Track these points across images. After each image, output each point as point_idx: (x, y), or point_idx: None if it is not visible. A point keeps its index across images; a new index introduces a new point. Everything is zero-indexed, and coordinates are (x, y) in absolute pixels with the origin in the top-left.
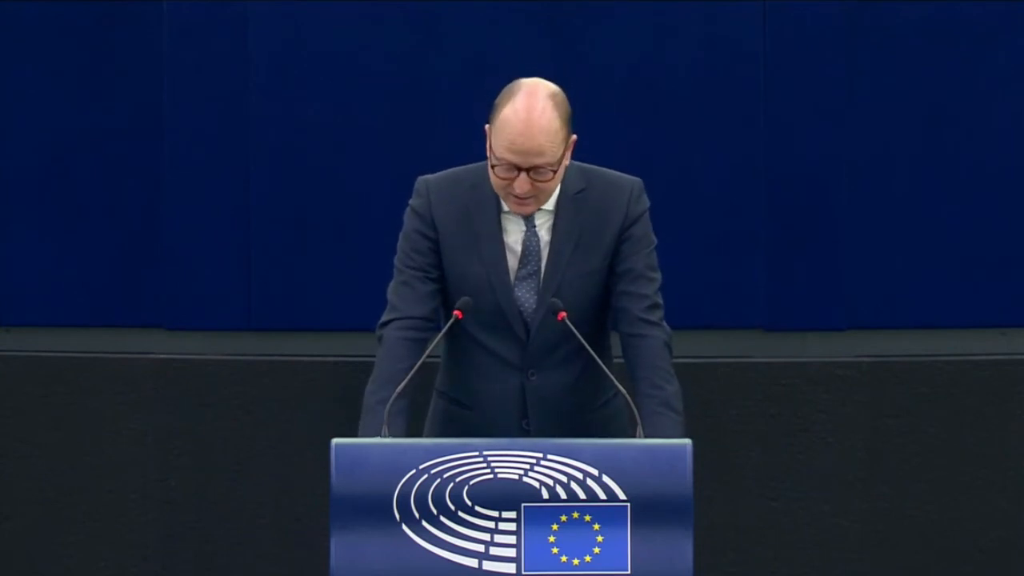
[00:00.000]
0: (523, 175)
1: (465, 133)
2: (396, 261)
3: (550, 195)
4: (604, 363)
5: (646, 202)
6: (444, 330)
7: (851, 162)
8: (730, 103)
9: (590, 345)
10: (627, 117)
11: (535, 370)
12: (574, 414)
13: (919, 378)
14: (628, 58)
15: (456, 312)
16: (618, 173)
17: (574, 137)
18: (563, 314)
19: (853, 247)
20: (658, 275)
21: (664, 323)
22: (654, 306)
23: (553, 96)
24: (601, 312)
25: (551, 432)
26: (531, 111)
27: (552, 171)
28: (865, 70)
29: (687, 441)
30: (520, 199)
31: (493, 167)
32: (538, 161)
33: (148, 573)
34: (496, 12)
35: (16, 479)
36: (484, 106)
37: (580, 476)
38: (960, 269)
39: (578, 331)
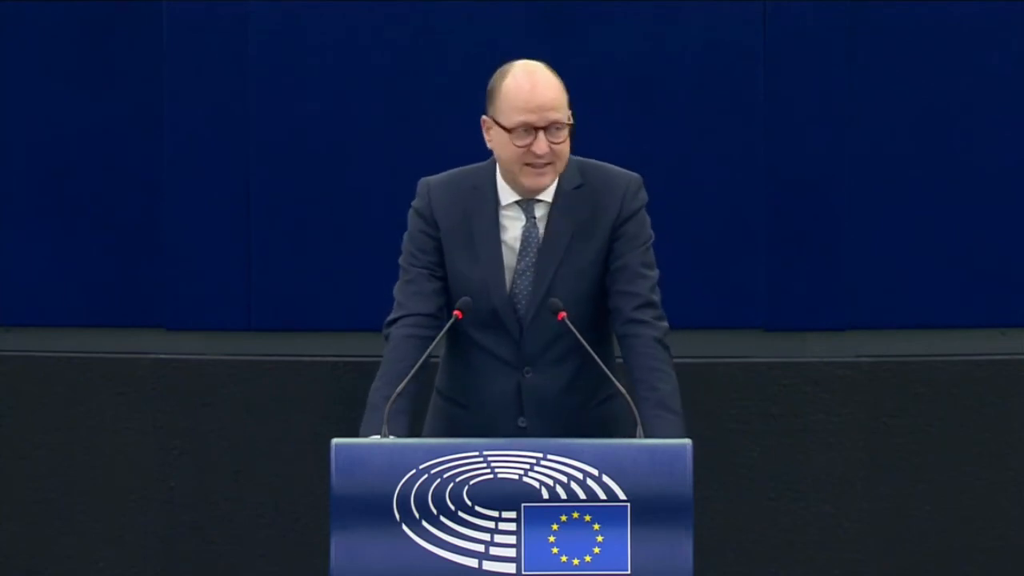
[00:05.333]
0: (541, 135)
1: (465, 133)
2: (401, 261)
3: (565, 162)
4: (605, 361)
5: (643, 199)
6: (444, 330)
7: (851, 162)
8: (730, 103)
9: (590, 343)
10: (627, 117)
11: (530, 367)
12: (571, 412)
13: (919, 378)
14: (628, 58)
15: (456, 312)
16: (617, 168)
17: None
18: (563, 314)
19: (853, 247)
20: (654, 272)
21: (659, 321)
22: (647, 304)
23: (548, 66)
24: (601, 309)
25: (547, 430)
26: (535, 72)
27: (566, 127)
28: (865, 70)
29: (687, 441)
30: (541, 162)
31: (510, 133)
32: (553, 116)
33: (148, 573)
34: (496, 12)
35: (16, 479)
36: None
37: (580, 476)
38: (960, 269)
39: (575, 328)
